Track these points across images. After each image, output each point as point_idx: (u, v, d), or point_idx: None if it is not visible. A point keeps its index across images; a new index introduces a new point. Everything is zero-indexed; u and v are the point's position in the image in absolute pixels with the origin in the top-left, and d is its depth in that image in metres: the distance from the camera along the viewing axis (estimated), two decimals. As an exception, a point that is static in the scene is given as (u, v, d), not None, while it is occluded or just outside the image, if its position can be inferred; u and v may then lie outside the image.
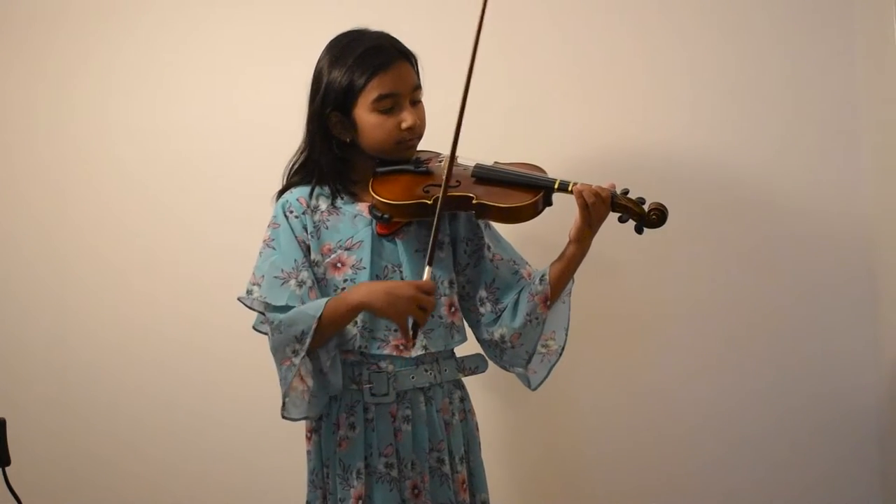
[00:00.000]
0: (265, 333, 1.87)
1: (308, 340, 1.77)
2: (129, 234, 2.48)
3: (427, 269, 1.78)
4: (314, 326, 1.76)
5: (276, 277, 1.84)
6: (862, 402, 2.26)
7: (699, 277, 2.31)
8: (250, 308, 1.87)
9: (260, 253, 1.90)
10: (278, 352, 1.81)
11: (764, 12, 2.28)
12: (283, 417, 1.85)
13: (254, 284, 1.86)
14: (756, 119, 2.29)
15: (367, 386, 1.85)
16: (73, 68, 2.49)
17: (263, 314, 1.85)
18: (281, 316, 1.80)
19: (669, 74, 2.32)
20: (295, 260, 1.85)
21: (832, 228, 2.27)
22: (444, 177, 1.81)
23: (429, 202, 1.82)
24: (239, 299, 1.87)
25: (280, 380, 1.83)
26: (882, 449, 2.25)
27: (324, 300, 1.80)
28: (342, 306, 1.79)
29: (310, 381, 1.83)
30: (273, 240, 1.89)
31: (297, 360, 1.79)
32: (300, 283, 1.84)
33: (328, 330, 1.80)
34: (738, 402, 2.30)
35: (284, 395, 1.83)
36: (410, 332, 1.79)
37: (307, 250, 1.88)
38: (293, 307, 1.81)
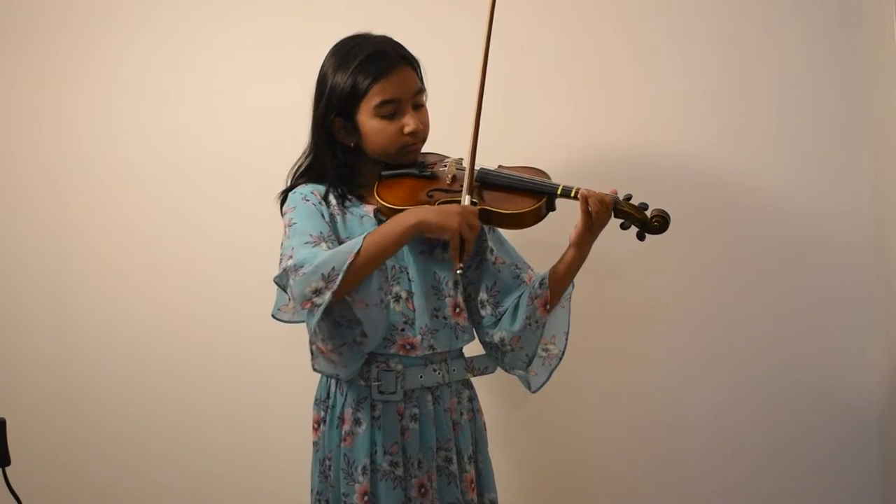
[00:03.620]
0: (285, 321, 1.84)
1: (339, 279, 1.67)
2: (134, 233, 2.46)
3: (466, 197, 1.78)
4: (348, 262, 1.68)
5: (305, 243, 1.76)
6: (861, 400, 2.27)
7: (698, 277, 2.32)
8: (282, 288, 1.80)
9: (282, 242, 1.82)
10: (298, 294, 1.70)
11: (761, 12, 2.28)
12: (314, 369, 1.86)
13: (287, 260, 1.75)
14: (753, 120, 2.29)
15: (375, 383, 1.84)
16: (78, 69, 2.47)
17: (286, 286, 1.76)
18: (308, 254, 1.71)
19: (664, 75, 2.31)
20: (321, 231, 1.79)
21: (831, 228, 2.27)
22: (448, 181, 1.84)
23: None
24: (274, 280, 1.79)
25: (307, 325, 1.74)
26: (882, 449, 2.27)
27: (360, 237, 1.73)
28: (393, 230, 1.74)
29: (335, 357, 1.79)
30: (294, 220, 1.82)
31: (319, 301, 1.68)
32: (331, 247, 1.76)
33: (368, 265, 1.71)
34: (741, 402, 2.32)
35: (311, 343, 1.81)
36: (460, 252, 1.76)
37: (330, 227, 1.83)
38: None
